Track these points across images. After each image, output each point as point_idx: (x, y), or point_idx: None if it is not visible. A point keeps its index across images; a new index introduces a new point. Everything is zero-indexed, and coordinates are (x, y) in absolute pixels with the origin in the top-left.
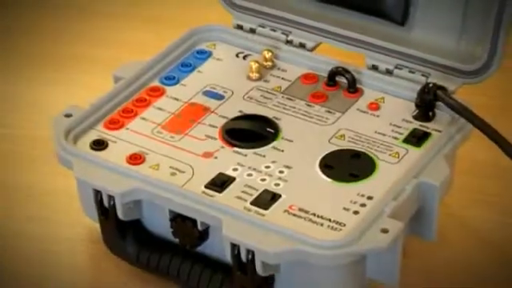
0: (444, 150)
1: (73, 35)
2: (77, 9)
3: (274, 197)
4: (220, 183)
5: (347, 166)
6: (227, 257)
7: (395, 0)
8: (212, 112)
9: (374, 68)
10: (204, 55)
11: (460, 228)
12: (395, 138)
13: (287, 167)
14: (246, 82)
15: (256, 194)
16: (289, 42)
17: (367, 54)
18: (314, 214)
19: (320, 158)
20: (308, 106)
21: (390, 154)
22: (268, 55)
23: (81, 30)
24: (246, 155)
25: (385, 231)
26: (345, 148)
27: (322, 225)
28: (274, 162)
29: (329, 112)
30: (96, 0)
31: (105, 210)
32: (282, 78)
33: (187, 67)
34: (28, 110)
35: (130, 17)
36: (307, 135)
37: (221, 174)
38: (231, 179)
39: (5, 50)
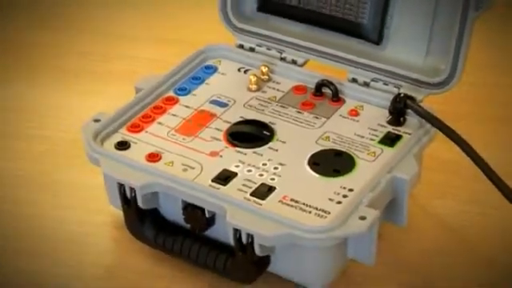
0: (413, 150)
1: (99, 55)
2: (114, 35)
3: (270, 189)
4: (224, 178)
5: (331, 163)
6: (230, 240)
7: (372, 24)
8: (218, 118)
9: (354, 81)
10: (211, 70)
11: (426, 216)
12: (372, 140)
13: (281, 164)
14: (246, 93)
15: (255, 186)
16: (282, 59)
17: (348, 69)
18: (304, 204)
19: (308, 156)
20: (298, 112)
21: (367, 153)
22: (265, 70)
23: (107, 52)
24: (246, 154)
25: (363, 218)
26: (329, 148)
27: (310, 212)
28: (269, 159)
29: (316, 118)
30: (133, 29)
31: (127, 200)
32: (277, 90)
33: (197, 80)
34: (64, 115)
35: (145, 38)
36: (298, 137)
37: (225, 170)
38: (234, 174)
39: (52, 68)
